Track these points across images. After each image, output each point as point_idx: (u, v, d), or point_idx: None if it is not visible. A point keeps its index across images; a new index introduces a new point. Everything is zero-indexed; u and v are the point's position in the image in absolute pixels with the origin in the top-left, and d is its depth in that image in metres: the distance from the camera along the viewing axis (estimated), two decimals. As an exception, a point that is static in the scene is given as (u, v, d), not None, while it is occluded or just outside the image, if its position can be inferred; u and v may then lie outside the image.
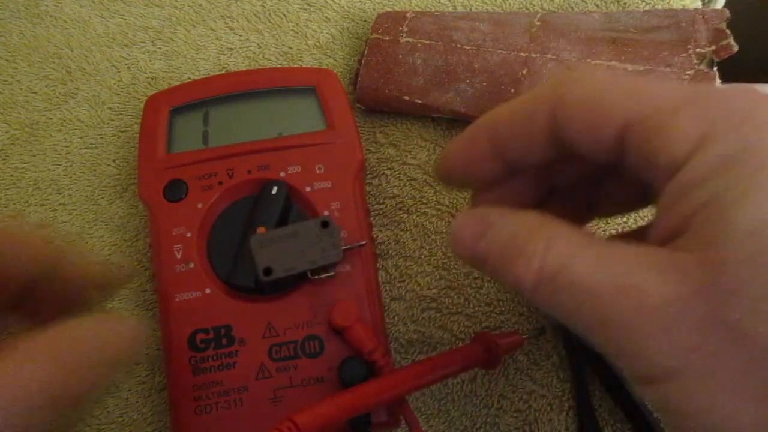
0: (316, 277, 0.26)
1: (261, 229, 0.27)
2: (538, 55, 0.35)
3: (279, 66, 0.39)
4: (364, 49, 0.37)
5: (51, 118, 0.38)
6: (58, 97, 0.38)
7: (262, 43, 0.39)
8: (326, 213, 0.29)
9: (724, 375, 0.14)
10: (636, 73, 0.33)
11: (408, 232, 0.33)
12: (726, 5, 0.42)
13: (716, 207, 0.15)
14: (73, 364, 0.18)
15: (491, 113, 0.21)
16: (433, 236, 0.33)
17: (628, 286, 0.15)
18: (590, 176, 0.23)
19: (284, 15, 0.40)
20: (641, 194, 0.23)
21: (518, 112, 0.20)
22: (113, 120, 0.37)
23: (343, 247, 0.26)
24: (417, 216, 0.34)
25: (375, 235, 0.33)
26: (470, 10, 0.40)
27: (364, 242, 0.26)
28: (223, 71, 0.39)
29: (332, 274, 0.25)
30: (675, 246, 0.16)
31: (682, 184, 0.16)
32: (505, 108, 0.20)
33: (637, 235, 0.21)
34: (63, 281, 0.22)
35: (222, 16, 0.40)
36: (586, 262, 0.16)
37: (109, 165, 0.36)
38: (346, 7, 0.40)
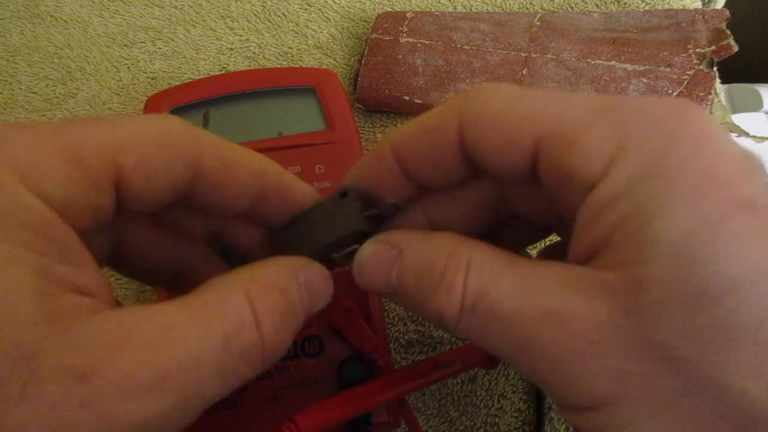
0: (337, 255, 0.21)
1: None
2: (538, 55, 0.35)
3: (279, 66, 0.39)
4: (364, 49, 0.37)
5: (51, 119, 0.38)
6: (58, 98, 0.38)
7: (262, 43, 0.39)
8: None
9: (657, 401, 0.14)
10: (636, 72, 0.33)
11: (408, 232, 0.33)
12: (726, 5, 0.42)
13: (634, 223, 0.14)
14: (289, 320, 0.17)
15: (397, 130, 0.19)
16: (433, 236, 0.33)
17: (553, 310, 0.15)
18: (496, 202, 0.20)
19: (284, 15, 0.40)
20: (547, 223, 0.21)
21: (424, 129, 0.18)
22: (113, 120, 0.38)
23: (367, 213, 0.20)
24: (417, 216, 0.34)
25: (375, 235, 0.33)
26: (470, 10, 0.40)
27: (394, 202, 0.20)
28: (223, 71, 0.39)
29: (356, 247, 0.20)
30: (595, 265, 0.15)
31: (598, 201, 0.15)
32: (411, 125, 0.18)
33: (558, 251, 0.20)
34: (272, 205, 0.20)
35: (222, 16, 0.40)
36: (507, 287, 0.15)
37: (109, 165, 0.36)
38: (346, 7, 0.40)
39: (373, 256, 0.18)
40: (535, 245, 0.30)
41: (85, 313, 0.14)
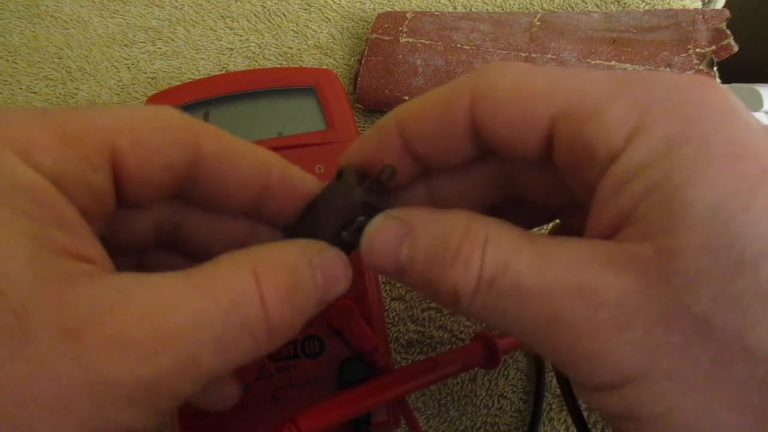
0: (346, 233, 0.19)
1: None
2: (538, 55, 0.35)
3: (279, 66, 0.39)
4: (364, 49, 0.37)
5: (51, 118, 0.38)
6: (58, 97, 0.38)
7: (262, 43, 0.39)
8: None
9: (691, 373, 0.13)
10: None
11: (408, 232, 0.33)
12: (726, 5, 0.42)
13: (664, 191, 0.13)
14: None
15: (404, 104, 0.18)
16: (433, 236, 0.33)
17: (579, 283, 0.14)
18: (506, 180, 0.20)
19: (284, 15, 0.40)
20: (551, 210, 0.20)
21: (434, 103, 0.17)
22: (113, 120, 0.38)
23: (365, 183, 0.19)
24: (417, 216, 0.34)
25: (375, 235, 0.33)
26: (470, 10, 0.40)
27: (389, 164, 0.19)
28: (223, 71, 0.39)
29: (362, 219, 0.19)
30: (619, 238, 0.14)
31: (621, 173, 0.14)
32: (419, 99, 0.18)
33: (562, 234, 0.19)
34: (279, 199, 0.19)
35: (222, 16, 0.40)
36: (528, 261, 0.15)
37: (109, 165, 0.36)
38: (346, 7, 0.40)
39: (382, 230, 0.18)
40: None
41: (81, 277, 0.13)
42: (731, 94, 0.15)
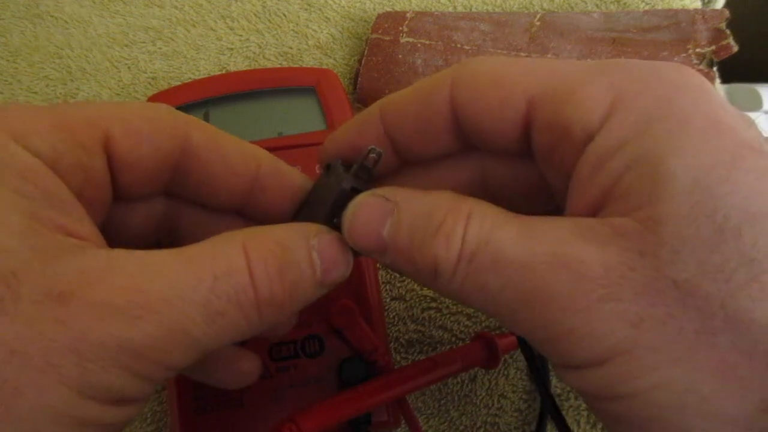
0: (338, 221, 0.19)
1: None
2: (538, 55, 0.35)
3: (279, 66, 0.39)
4: (364, 49, 0.37)
5: (51, 118, 0.38)
6: (58, 97, 0.38)
7: (262, 43, 0.39)
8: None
9: (676, 345, 0.13)
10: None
11: (408, 232, 0.33)
12: (726, 5, 0.42)
13: (646, 164, 0.14)
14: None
15: (388, 96, 0.19)
16: (433, 236, 0.33)
17: (562, 255, 0.14)
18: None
19: (284, 15, 0.40)
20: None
21: (416, 92, 0.18)
22: (113, 120, 0.38)
23: (352, 170, 0.19)
24: (417, 216, 0.34)
25: (375, 235, 0.33)
26: (470, 10, 0.40)
27: (374, 147, 0.19)
28: (223, 71, 0.39)
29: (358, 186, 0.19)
30: (602, 216, 0.14)
31: (599, 151, 0.14)
32: (403, 90, 0.18)
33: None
34: (269, 192, 0.20)
35: (222, 16, 0.41)
36: (511, 235, 0.15)
37: (109, 165, 0.36)
38: (346, 7, 0.40)
39: (365, 207, 0.17)
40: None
41: (72, 249, 0.14)
42: (704, 78, 0.15)
